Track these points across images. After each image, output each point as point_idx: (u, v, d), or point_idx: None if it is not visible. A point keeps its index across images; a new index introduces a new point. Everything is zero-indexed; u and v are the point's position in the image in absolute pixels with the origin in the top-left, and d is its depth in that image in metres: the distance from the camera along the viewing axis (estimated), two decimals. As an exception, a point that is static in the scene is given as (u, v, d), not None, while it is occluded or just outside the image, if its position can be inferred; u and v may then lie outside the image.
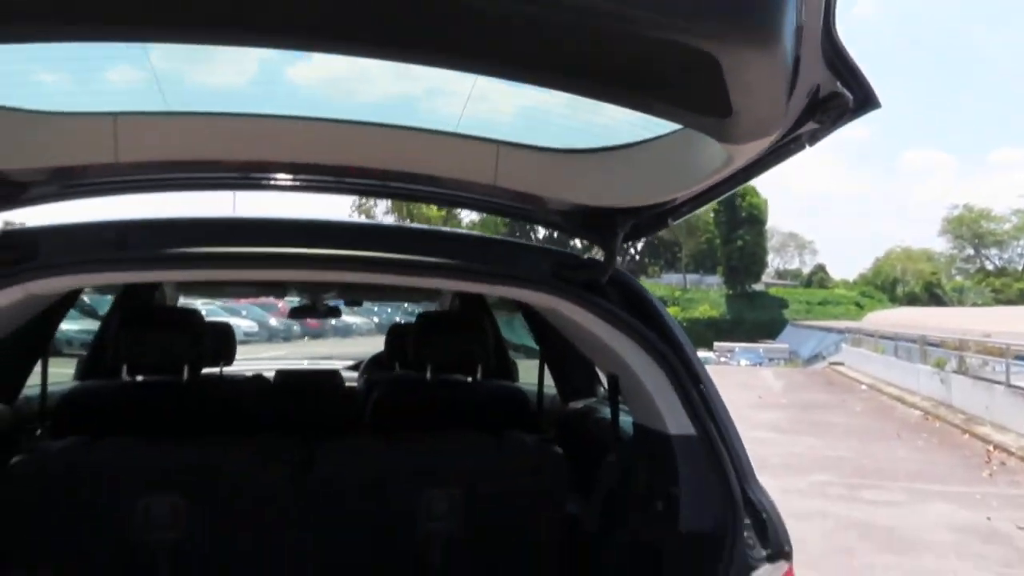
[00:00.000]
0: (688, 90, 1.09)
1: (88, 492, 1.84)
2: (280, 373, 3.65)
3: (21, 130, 1.46)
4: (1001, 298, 59.99)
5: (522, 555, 2.07)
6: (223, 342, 3.10)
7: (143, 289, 3.22)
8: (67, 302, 2.66)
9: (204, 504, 1.86)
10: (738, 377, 19.86)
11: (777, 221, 68.99)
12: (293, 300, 4.35)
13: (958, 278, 69.92)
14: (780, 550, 1.60)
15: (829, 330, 35.33)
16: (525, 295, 1.84)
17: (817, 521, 6.24)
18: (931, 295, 62.39)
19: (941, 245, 72.45)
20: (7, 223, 2.23)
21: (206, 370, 2.62)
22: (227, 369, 3.19)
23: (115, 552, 1.82)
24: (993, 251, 70.05)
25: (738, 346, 38.30)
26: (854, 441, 10.32)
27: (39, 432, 2.40)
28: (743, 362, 31.73)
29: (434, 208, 28.51)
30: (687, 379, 1.73)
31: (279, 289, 4.13)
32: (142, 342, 2.21)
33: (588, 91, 1.17)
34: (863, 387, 18.16)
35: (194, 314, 2.50)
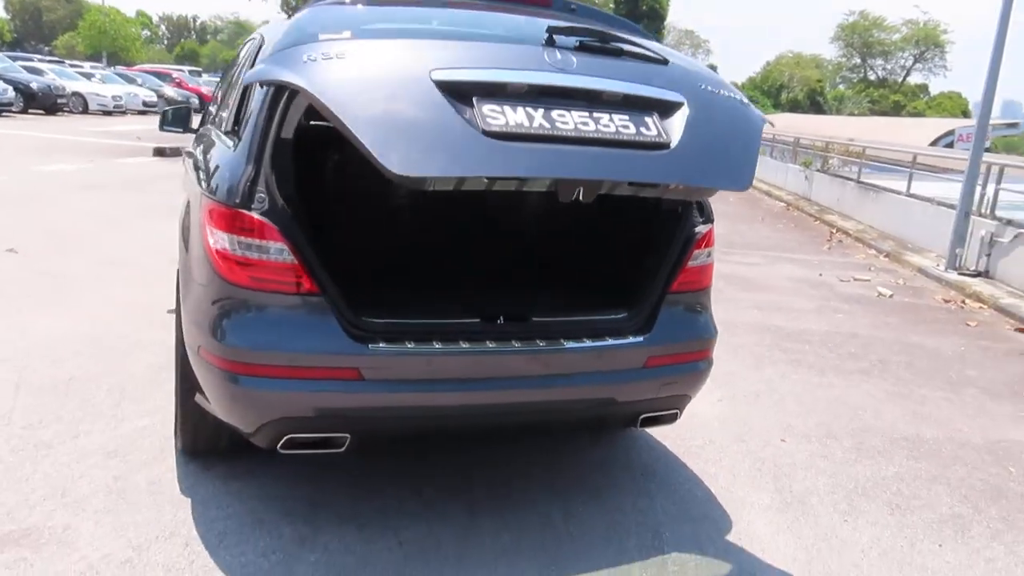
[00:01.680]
0: None
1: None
2: None
3: None
4: (876, 109, 64.07)
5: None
6: None
7: None
8: None
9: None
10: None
11: (677, 17, 68.79)
12: None
13: (841, 87, 73.22)
14: (709, 219, 3.11)
15: (714, 132, 38.05)
16: None
17: (694, 273, 8.47)
18: (812, 102, 66.19)
19: (832, 52, 74.79)
20: None
21: None
22: None
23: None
24: (879, 61, 72.40)
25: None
26: (726, 222, 12.73)
27: None
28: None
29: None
30: None
31: None
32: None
33: None
34: (739, 184, 20.88)
35: None
